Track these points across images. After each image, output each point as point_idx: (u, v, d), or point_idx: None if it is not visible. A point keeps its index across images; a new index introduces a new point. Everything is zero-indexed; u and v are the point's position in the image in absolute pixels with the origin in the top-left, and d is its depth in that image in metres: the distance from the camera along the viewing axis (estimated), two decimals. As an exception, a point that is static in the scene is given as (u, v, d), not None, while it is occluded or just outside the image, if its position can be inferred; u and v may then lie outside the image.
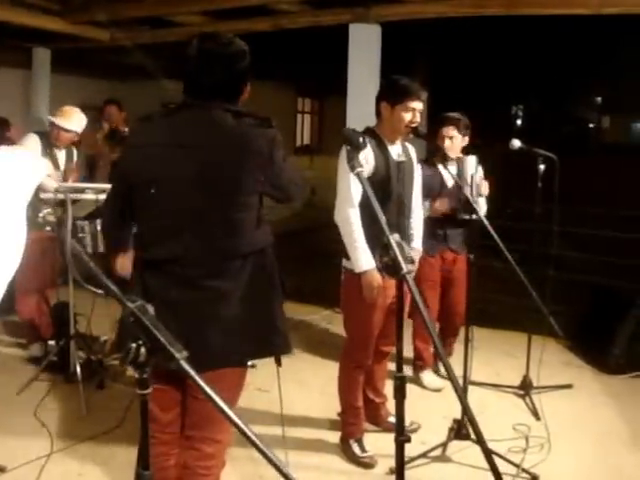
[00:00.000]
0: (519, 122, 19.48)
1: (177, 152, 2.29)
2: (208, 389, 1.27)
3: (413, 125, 3.53)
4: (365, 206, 3.43)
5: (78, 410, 4.18)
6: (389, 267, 2.02)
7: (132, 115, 10.75)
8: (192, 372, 1.27)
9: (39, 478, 3.40)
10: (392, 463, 3.56)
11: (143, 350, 1.32)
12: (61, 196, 4.12)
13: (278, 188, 2.43)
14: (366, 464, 3.70)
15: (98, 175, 6.44)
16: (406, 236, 3.72)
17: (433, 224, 4.44)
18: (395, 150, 3.66)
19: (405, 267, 1.99)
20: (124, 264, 2.59)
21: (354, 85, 6.43)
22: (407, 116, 3.51)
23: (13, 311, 5.14)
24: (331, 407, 4.06)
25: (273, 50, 9.60)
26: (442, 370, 4.92)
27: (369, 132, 3.64)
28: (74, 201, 4.58)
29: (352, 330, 3.76)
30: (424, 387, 4.81)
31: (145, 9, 6.86)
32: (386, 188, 3.53)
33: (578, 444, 3.97)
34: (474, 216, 3.57)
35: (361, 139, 2.29)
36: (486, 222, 3.28)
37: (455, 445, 3.73)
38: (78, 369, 4.44)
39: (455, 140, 4.49)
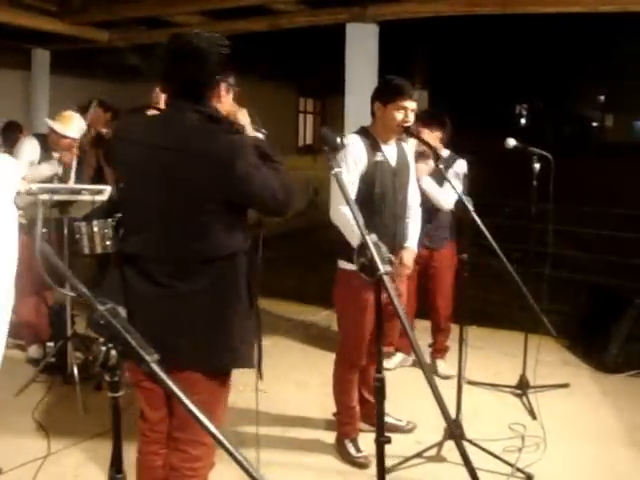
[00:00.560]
0: (523, 121, 19.46)
1: (146, 151, 2.32)
2: (176, 389, 1.26)
3: (406, 124, 3.54)
4: (360, 204, 3.44)
5: (75, 411, 4.19)
6: (366, 267, 2.03)
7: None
8: (162, 375, 1.27)
9: (35, 479, 3.41)
10: (387, 463, 3.56)
11: (114, 353, 1.32)
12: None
13: (247, 197, 2.33)
14: (361, 464, 3.70)
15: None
16: (400, 236, 3.72)
17: None
18: (389, 150, 3.66)
19: (382, 268, 1.99)
20: None
21: (352, 85, 6.42)
22: (399, 115, 3.51)
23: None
24: (328, 407, 4.06)
25: (275, 50, 9.62)
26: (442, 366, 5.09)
27: (363, 132, 3.65)
28: (71, 202, 4.59)
29: (346, 330, 3.76)
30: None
31: (143, 9, 6.89)
32: (378, 187, 3.54)
33: (574, 443, 3.97)
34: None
35: (338, 139, 2.28)
36: (477, 219, 3.27)
37: (450, 445, 3.72)
38: (75, 370, 4.44)
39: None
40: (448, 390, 3.98)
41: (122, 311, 1.37)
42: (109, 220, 4.71)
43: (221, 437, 1.22)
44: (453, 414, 3.79)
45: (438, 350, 5.13)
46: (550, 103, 17.82)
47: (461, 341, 3.80)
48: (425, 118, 4.65)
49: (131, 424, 3.76)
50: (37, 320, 5.03)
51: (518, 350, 4.74)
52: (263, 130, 2.59)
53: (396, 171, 3.66)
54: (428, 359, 5.12)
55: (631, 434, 4.12)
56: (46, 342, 5.00)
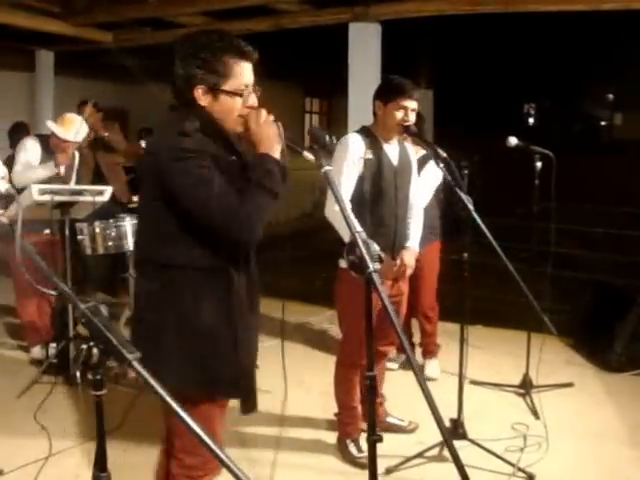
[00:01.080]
0: (531, 120, 19.36)
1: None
2: (158, 387, 1.25)
3: (406, 124, 3.52)
4: (357, 203, 3.46)
5: (78, 412, 4.20)
6: (355, 265, 2.02)
7: (135, 117, 10.83)
8: (145, 373, 1.26)
9: (36, 480, 3.41)
10: (388, 463, 3.59)
11: (95, 351, 1.31)
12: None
13: (177, 197, 2.13)
14: (363, 464, 3.67)
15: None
16: (401, 235, 3.70)
17: None
18: (391, 149, 3.65)
19: (371, 265, 1.98)
20: None
21: (355, 84, 6.43)
22: (399, 114, 3.50)
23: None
24: (330, 407, 4.04)
25: (281, 50, 9.62)
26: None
27: (365, 131, 3.64)
28: (72, 203, 4.60)
29: (346, 330, 3.75)
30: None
31: (146, 10, 6.91)
32: (379, 186, 3.53)
33: (576, 443, 3.94)
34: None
35: (327, 138, 2.26)
36: (478, 218, 3.26)
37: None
38: (78, 371, 4.44)
39: None
40: (450, 390, 3.98)
41: (104, 310, 1.36)
42: (111, 221, 4.76)
43: (205, 438, 1.21)
44: (455, 414, 3.79)
45: (427, 351, 5.11)
46: (558, 102, 17.74)
47: (462, 341, 3.78)
48: None
49: (136, 425, 3.82)
50: (40, 321, 5.04)
51: (521, 349, 4.72)
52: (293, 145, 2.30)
53: (397, 170, 3.65)
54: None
55: (635, 434, 4.09)
56: (49, 343, 5.01)
